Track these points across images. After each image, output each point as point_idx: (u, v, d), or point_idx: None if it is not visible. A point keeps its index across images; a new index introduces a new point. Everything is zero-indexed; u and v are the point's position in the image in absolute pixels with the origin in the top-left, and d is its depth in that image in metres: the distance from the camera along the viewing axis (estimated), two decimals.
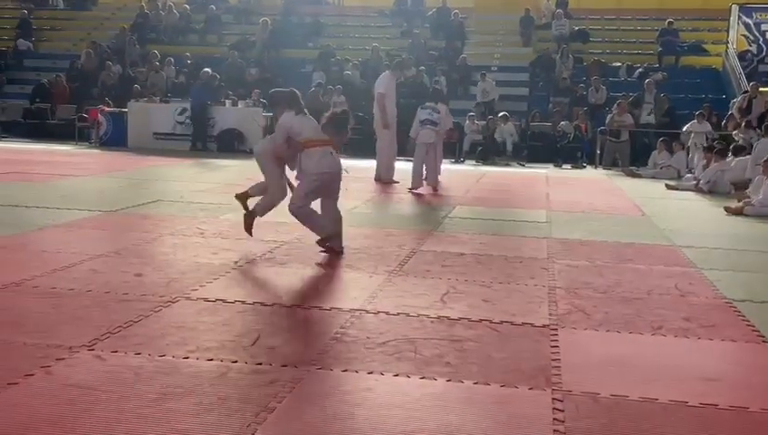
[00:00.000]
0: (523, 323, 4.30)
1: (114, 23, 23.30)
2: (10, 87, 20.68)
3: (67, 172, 11.13)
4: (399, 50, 20.70)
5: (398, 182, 11.05)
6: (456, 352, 3.75)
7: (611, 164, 16.03)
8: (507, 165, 16.04)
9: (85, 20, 24.22)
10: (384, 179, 11.24)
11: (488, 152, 16.58)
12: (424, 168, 10.68)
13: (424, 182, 10.65)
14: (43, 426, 2.74)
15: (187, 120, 16.66)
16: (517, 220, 8.42)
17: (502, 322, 4.30)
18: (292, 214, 5.99)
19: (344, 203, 8.89)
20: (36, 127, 18.56)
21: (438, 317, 4.34)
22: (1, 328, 3.84)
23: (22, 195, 8.50)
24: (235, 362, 3.50)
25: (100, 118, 16.91)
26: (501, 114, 16.91)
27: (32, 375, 3.20)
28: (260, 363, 3.49)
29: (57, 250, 5.75)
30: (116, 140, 16.39)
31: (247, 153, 16.21)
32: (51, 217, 7.17)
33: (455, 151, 16.30)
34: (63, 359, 3.41)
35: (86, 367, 3.34)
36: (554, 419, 3.01)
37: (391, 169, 11.38)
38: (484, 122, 16.97)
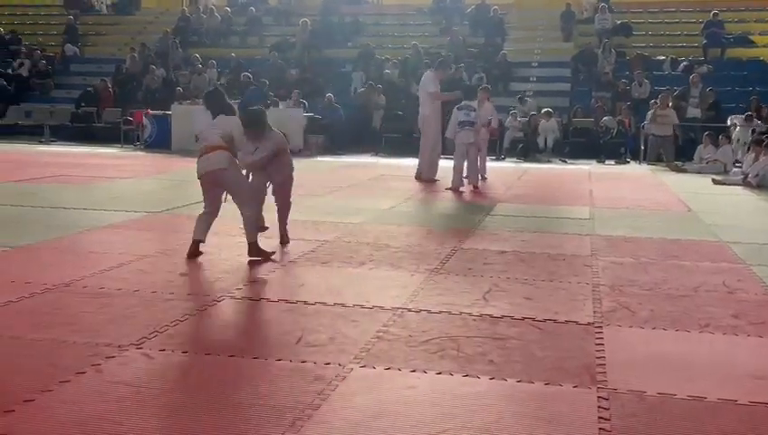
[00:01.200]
0: (567, 321, 4.26)
1: (157, 27, 23.68)
2: (57, 91, 21.15)
3: (113, 174, 11.36)
4: (438, 48, 20.65)
5: (438, 180, 11.04)
6: (499, 351, 3.74)
7: (656, 159, 15.77)
8: (549, 162, 15.88)
9: (129, 24, 24.66)
10: (425, 178, 11.24)
11: (529, 149, 16.45)
12: (465, 167, 10.65)
13: (465, 181, 10.61)
14: (93, 423, 2.81)
15: None
16: (560, 217, 8.34)
17: (545, 320, 4.27)
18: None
19: (385, 201, 8.96)
20: (83, 130, 18.98)
21: (481, 315, 4.33)
22: (53, 328, 3.94)
23: (70, 197, 8.70)
24: (280, 359, 3.54)
25: (145, 121, 17.20)
26: (544, 110, 16.75)
27: (83, 373, 3.27)
28: (304, 361, 3.52)
29: (105, 251, 5.87)
30: (160, 142, 16.66)
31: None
32: (98, 218, 7.33)
33: (495, 149, 16.20)
34: (113, 357, 3.48)
35: (135, 365, 3.41)
36: (600, 417, 2.98)
37: (434, 167, 11.38)
38: (526, 119, 16.84)
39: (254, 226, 5.74)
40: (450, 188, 10.27)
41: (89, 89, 19.97)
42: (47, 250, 5.85)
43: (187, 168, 12.71)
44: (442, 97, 11.38)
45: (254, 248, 5.66)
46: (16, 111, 20.07)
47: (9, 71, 21.59)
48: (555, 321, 4.26)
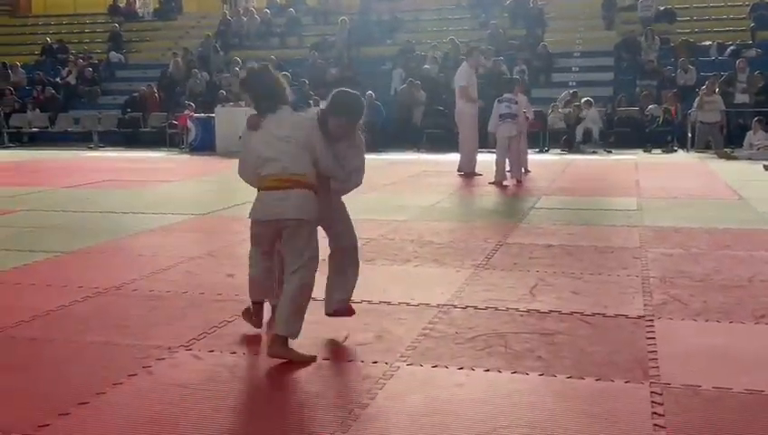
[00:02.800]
0: (617, 315, 4.19)
1: (198, 31, 23.99)
2: (104, 98, 21.59)
3: (160, 178, 11.55)
4: (478, 41, 20.48)
5: (480, 175, 10.97)
6: (548, 346, 3.69)
7: (704, 147, 15.44)
8: (594, 153, 15.66)
9: (171, 30, 25.03)
10: (466, 172, 11.19)
11: (573, 140, 16.24)
12: (507, 161, 10.57)
13: (508, 175, 10.53)
14: (147, 424, 2.85)
15: None
16: (606, 209, 8.21)
17: (594, 314, 4.21)
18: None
19: (428, 198, 8.93)
20: (130, 135, 19.36)
21: (528, 311, 4.28)
22: (105, 330, 4.02)
23: (119, 201, 8.86)
24: (327, 359, 3.55)
25: (189, 124, 17.45)
26: (584, 100, 16.52)
27: (135, 375, 3.33)
28: (351, 360, 3.53)
29: (153, 254, 5.96)
30: (205, 145, 16.88)
31: None
32: (146, 221, 7.45)
33: (538, 141, 16.03)
34: (164, 359, 3.53)
35: (185, 366, 3.45)
36: (653, 412, 2.92)
37: (473, 161, 11.31)
38: (569, 110, 16.62)
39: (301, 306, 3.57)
40: (493, 183, 10.20)
41: (134, 94, 20.36)
42: (98, 254, 5.97)
43: (232, 170, 12.86)
44: (468, 97, 11.30)
45: (283, 347, 3.49)
46: (65, 118, 20.57)
47: (58, 79, 22.12)
48: (604, 315, 4.19)
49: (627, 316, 4.16)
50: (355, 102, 3.79)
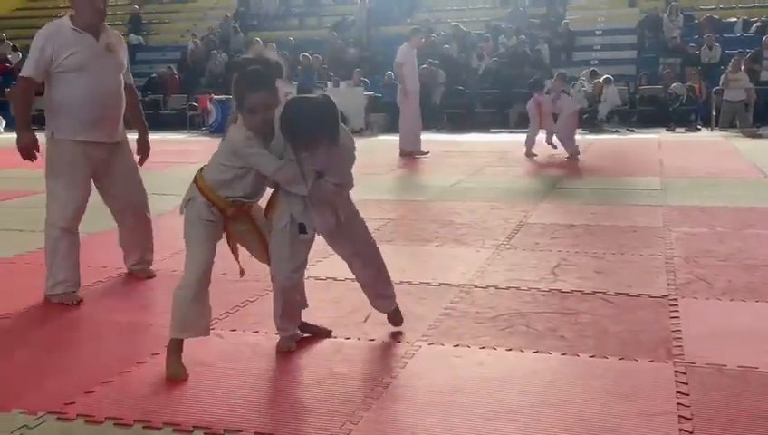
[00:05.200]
0: (640, 295, 4.15)
1: (218, 12, 23.97)
2: None
3: (181, 160, 11.59)
4: (499, 19, 20.32)
5: (427, 153, 11.28)
6: (570, 326, 3.67)
7: (729, 125, 15.22)
8: (616, 131, 15.50)
9: (190, 11, 25.05)
10: (407, 151, 11.36)
11: (594, 119, 16.09)
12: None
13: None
14: (169, 402, 2.88)
15: None
16: (629, 188, 8.13)
17: (617, 293, 4.17)
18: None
19: (448, 178, 8.90)
20: (150, 118, 19.18)
21: (550, 290, 4.26)
22: (128, 310, 4.05)
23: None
24: (348, 338, 3.55)
25: (209, 106, 17.48)
26: (603, 78, 16.33)
27: (157, 354, 3.35)
28: (372, 339, 3.53)
29: (176, 235, 5.97)
30: (224, 126, 16.87)
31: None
32: (169, 202, 7.47)
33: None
34: None
35: (207, 345, 3.46)
36: (678, 392, 2.89)
37: (417, 141, 11.53)
38: (589, 89, 16.45)
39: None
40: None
41: (153, 76, 20.39)
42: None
43: None
44: (402, 75, 11.49)
45: None
46: None
47: None
48: (627, 294, 4.16)
49: (650, 296, 4.13)
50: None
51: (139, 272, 4.70)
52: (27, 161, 4.31)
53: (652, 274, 4.59)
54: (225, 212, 3.26)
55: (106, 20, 4.30)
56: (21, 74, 4.19)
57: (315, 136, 2.99)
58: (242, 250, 3.52)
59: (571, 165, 10.22)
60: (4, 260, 5.17)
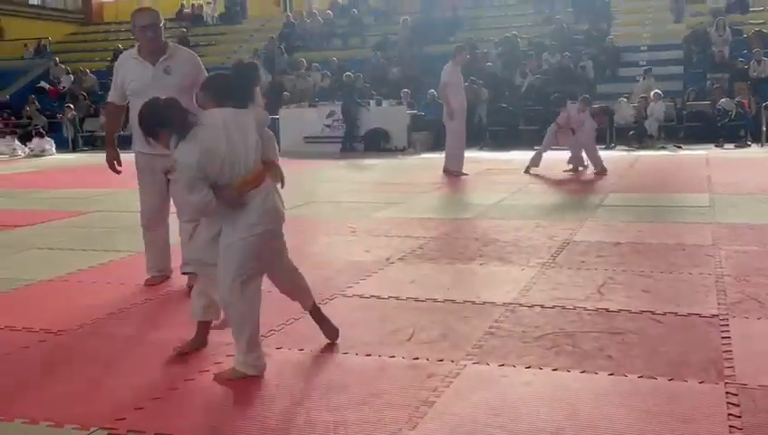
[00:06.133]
0: (689, 314, 4.07)
1: (263, 34, 24.36)
2: None
3: None
4: (542, 36, 20.26)
5: (466, 174, 11.17)
6: (618, 346, 3.62)
7: None
8: (663, 148, 15.28)
9: (236, 33, 25.50)
10: (451, 170, 11.32)
11: (641, 136, 15.88)
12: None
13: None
14: (217, 419, 2.91)
15: (335, 123, 17.18)
16: (677, 205, 8.00)
17: (665, 313, 4.10)
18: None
19: (491, 196, 8.87)
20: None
21: (596, 309, 4.20)
22: (176, 328, 4.12)
23: None
24: (393, 357, 3.56)
25: None
26: (653, 93, 16.13)
27: (206, 371, 3.40)
28: (417, 358, 3.53)
29: None
30: None
31: (392, 151, 16.51)
32: None
33: (604, 137, 15.73)
34: (233, 355, 3.58)
35: None
36: (729, 414, 2.83)
37: (459, 160, 11.46)
38: (635, 105, 16.27)
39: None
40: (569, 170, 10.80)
41: None
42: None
43: (299, 170, 13.06)
44: (446, 96, 11.41)
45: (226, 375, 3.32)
46: None
47: None
48: (676, 314, 4.09)
49: (700, 315, 4.05)
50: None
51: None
52: (114, 174, 5.13)
53: (702, 293, 4.50)
54: None
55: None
56: (107, 99, 5.10)
57: (142, 130, 3.35)
58: None
59: (616, 182, 10.09)
60: (58, 278, 5.31)
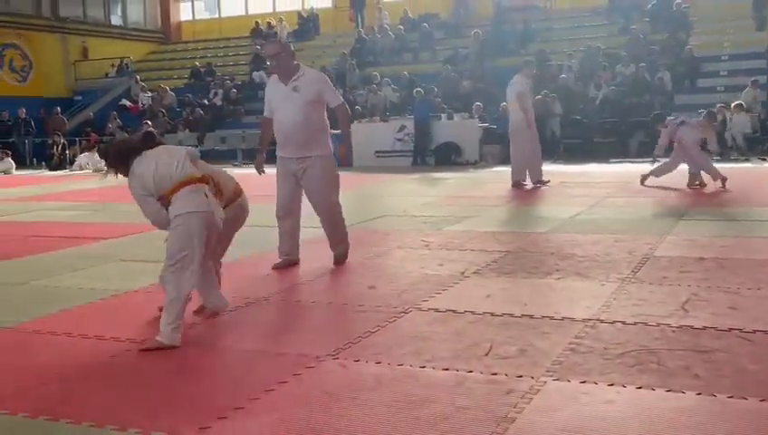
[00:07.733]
0: None
1: (335, 50, 24.69)
2: (248, 118, 22.61)
3: None
4: (617, 47, 19.91)
5: (548, 181, 11.19)
6: (705, 364, 3.50)
7: None
8: (746, 160, 14.76)
9: (309, 49, 25.90)
10: (520, 181, 11.31)
11: (722, 148, 15.37)
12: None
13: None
14: (299, 430, 2.94)
15: (406, 137, 17.25)
16: (764, 220, 7.71)
17: (755, 331, 3.95)
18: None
19: (567, 209, 8.73)
20: (272, 152, 20.10)
21: (680, 326, 4.07)
22: (257, 339, 4.19)
23: (265, 216, 9.22)
24: (471, 371, 3.52)
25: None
26: (734, 104, 15.62)
27: (286, 383, 3.44)
28: (495, 374, 3.49)
29: (299, 266, 6.16)
30: (340, 160, 17.27)
31: (464, 165, 16.44)
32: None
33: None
34: (312, 367, 3.63)
35: (332, 375, 3.53)
36: None
37: (536, 170, 11.44)
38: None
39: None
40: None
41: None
42: (246, 266, 6.24)
43: (368, 183, 13.16)
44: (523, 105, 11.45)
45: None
46: (212, 137, 21.71)
47: (205, 101, 23.43)
48: (766, 332, 3.93)
49: None
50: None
51: (335, 259, 6.06)
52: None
53: None
54: None
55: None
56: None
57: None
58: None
59: (698, 196, 9.79)
60: (130, 292, 5.45)
